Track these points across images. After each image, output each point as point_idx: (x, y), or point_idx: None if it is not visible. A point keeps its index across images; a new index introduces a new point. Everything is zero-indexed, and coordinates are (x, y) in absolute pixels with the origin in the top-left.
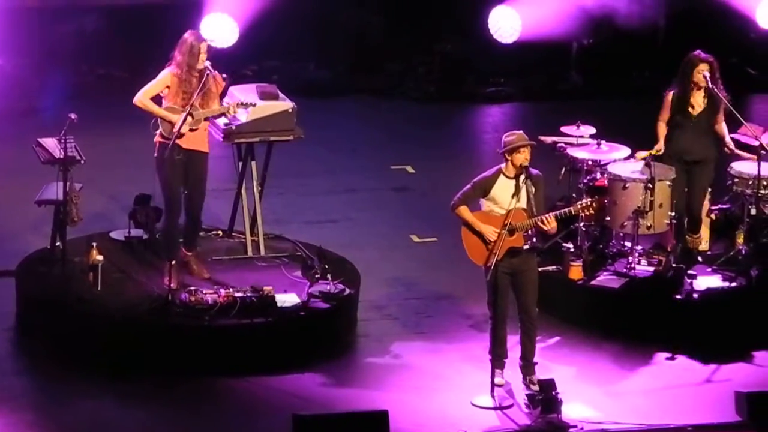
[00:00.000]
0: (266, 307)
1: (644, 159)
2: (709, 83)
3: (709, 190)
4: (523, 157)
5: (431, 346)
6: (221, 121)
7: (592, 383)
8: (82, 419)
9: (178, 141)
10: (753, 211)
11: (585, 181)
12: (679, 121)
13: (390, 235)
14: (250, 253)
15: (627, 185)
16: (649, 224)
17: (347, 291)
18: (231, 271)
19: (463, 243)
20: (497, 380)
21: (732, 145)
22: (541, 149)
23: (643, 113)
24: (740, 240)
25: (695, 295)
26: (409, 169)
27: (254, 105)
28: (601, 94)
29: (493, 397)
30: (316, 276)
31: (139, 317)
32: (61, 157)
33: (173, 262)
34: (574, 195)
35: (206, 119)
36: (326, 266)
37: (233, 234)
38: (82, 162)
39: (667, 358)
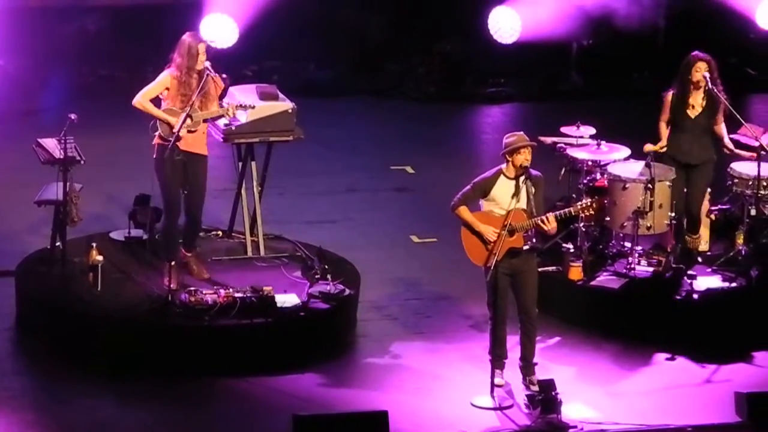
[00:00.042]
0: (266, 307)
1: (650, 152)
2: (710, 83)
3: (709, 190)
4: (523, 157)
5: (431, 346)
6: (221, 122)
7: (592, 384)
8: (82, 419)
9: (176, 143)
10: (753, 212)
11: (585, 181)
12: (679, 122)
13: (390, 235)
14: (249, 254)
15: (627, 186)
16: (648, 225)
17: (347, 291)
18: (231, 271)
19: (462, 243)
20: (497, 381)
21: (731, 146)
22: (541, 150)
23: (643, 114)
24: (740, 240)
25: (695, 296)
26: (409, 169)
27: (253, 107)
28: (601, 95)
29: (492, 397)
30: (316, 276)
31: (139, 317)
32: (61, 157)
33: (173, 263)
34: (573, 195)
35: (205, 121)
36: (326, 267)
37: (233, 234)
38: (82, 162)
39: (667, 359)
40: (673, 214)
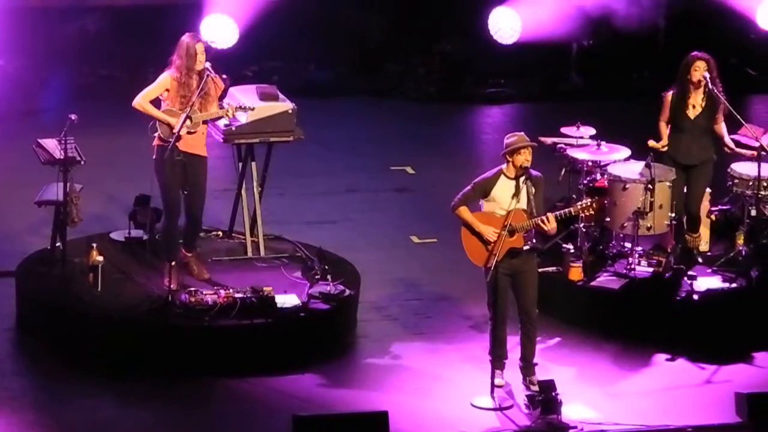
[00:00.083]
0: (266, 307)
1: (654, 148)
2: (710, 83)
3: (709, 191)
4: (523, 158)
5: (431, 346)
6: (221, 122)
7: (592, 384)
8: (83, 419)
9: (176, 143)
10: (753, 212)
11: (585, 182)
12: (678, 123)
13: (390, 236)
14: (250, 254)
15: (627, 186)
16: (649, 225)
17: (347, 292)
18: (231, 271)
19: (463, 244)
20: (497, 381)
21: (732, 144)
22: (541, 150)
23: (644, 114)
24: (740, 241)
25: (695, 296)
26: (409, 169)
27: (253, 109)
28: (602, 95)
29: (493, 397)
30: (316, 277)
31: (139, 318)
32: (62, 157)
33: (173, 263)
34: (574, 196)
35: (204, 122)
36: (326, 267)
37: (233, 235)
38: (83, 163)
39: (667, 359)
40: (673, 215)
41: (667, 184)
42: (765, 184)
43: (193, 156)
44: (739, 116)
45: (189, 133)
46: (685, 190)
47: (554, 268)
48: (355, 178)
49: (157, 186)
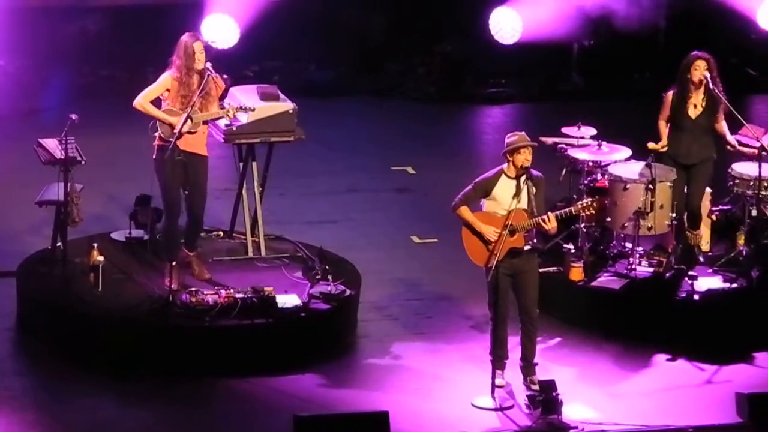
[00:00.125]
0: (267, 308)
1: (653, 149)
2: (710, 83)
3: (710, 191)
4: (524, 157)
5: (431, 347)
6: (222, 122)
7: (592, 384)
8: (83, 419)
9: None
10: (754, 212)
11: (586, 182)
12: (679, 122)
13: (391, 235)
14: (250, 254)
15: (628, 186)
16: (649, 225)
17: (348, 292)
18: (232, 271)
19: (463, 244)
20: (498, 381)
21: (734, 142)
22: (542, 150)
23: (644, 114)
24: (741, 241)
25: (696, 296)
26: (410, 170)
27: (253, 110)
28: (602, 96)
29: (493, 398)
30: (317, 277)
31: (140, 318)
32: (62, 157)
33: (174, 263)
34: (574, 196)
35: (205, 122)
36: (327, 267)
37: (234, 235)
38: (83, 163)
39: (668, 359)
40: (673, 215)
41: (668, 184)
42: (766, 184)
43: (193, 156)
44: (739, 116)
45: (190, 132)
46: (685, 189)
47: (555, 268)
48: (356, 178)
49: (157, 186)
